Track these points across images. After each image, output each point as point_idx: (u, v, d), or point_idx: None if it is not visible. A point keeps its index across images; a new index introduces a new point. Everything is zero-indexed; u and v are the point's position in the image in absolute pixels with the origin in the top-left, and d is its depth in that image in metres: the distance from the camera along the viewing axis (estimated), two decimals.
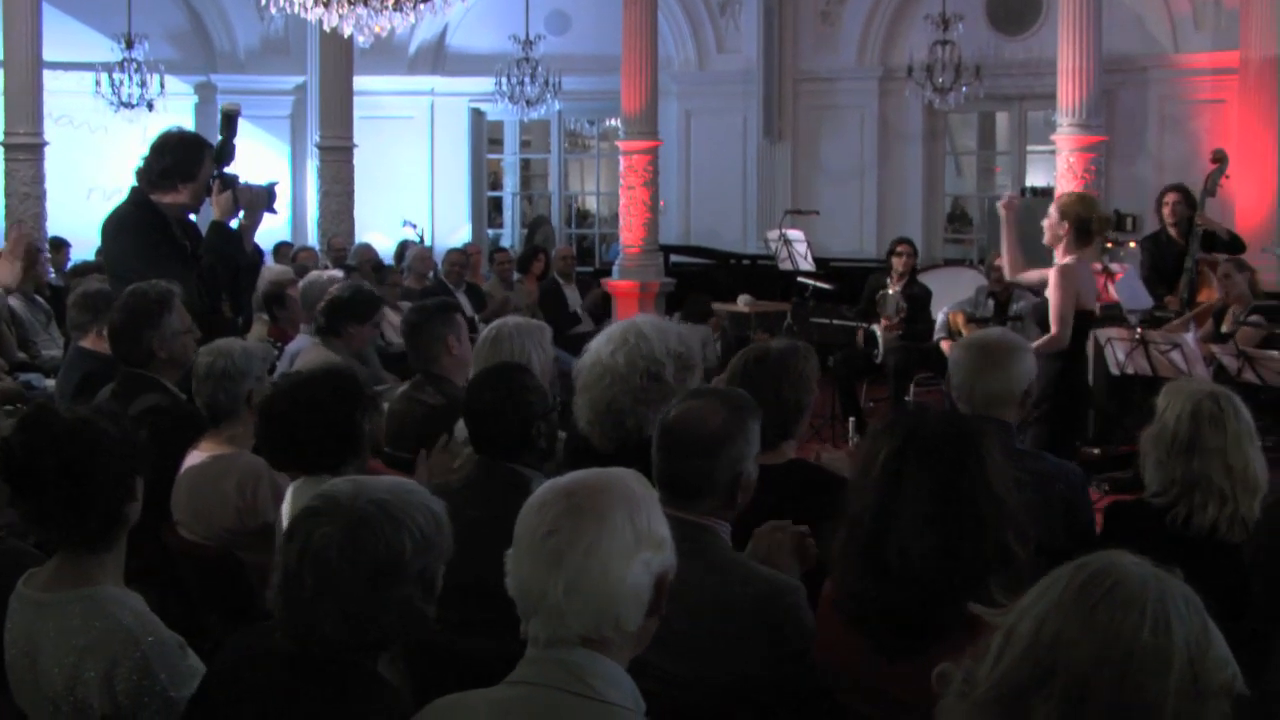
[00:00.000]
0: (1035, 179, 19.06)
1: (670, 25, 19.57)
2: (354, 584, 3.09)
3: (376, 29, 13.02)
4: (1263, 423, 4.96)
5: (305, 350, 8.23)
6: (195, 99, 20.22)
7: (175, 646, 3.66)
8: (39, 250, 13.93)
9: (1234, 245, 12.99)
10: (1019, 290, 12.27)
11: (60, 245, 16.46)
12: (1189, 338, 10.76)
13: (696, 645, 3.66)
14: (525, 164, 22.68)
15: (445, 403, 6.45)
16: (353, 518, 3.12)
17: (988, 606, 2.60)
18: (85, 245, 14.36)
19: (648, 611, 2.94)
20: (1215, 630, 2.30)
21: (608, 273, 17.41)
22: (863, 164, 19.27)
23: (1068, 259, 8.42)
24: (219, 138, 7.58)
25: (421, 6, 12.20)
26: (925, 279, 14.16)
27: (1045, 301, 8.49)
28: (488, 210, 21.98)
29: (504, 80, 18.98)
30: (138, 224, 7.32)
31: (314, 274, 10.63)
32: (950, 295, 13.77)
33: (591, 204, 23.46)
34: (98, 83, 18.49)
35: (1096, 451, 12.51)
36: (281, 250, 16.38)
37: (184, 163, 7.32)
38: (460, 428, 5.54)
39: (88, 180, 18.15)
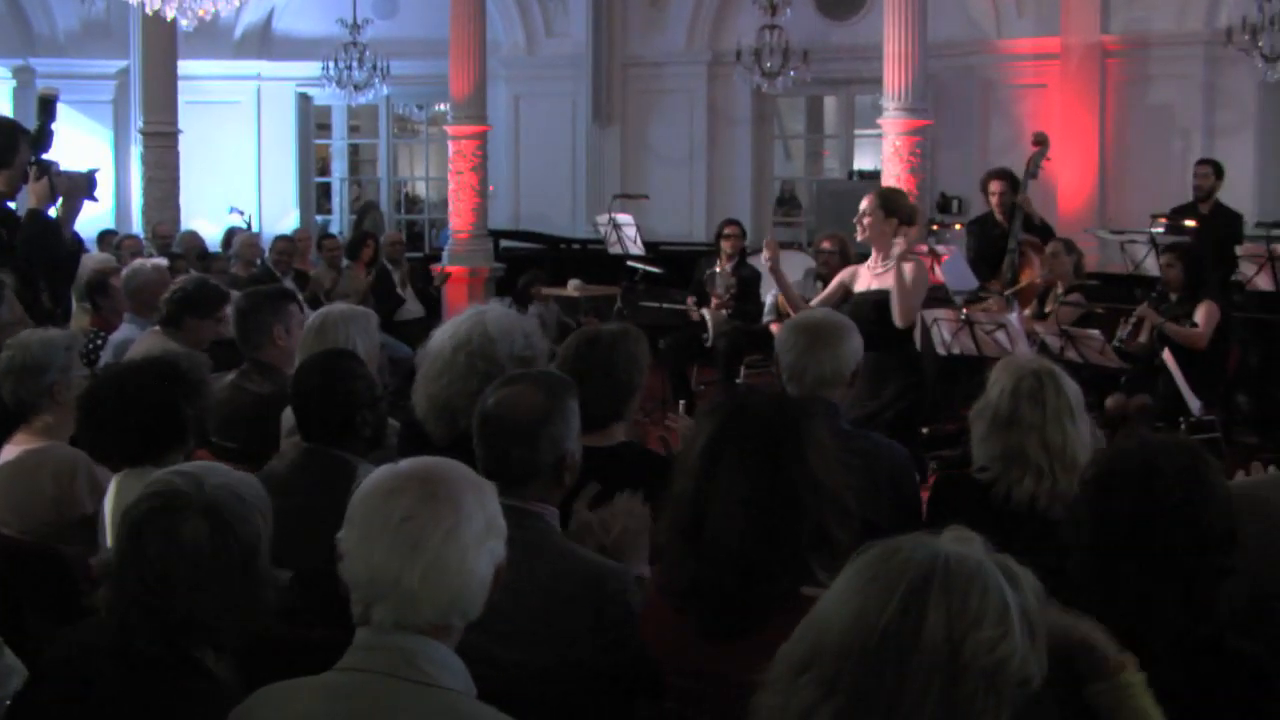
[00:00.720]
0: (863, 162, 19.27)
1: (499, 9, 19.49)
2: (231, 570, 3.10)
3: (200, 12, 12.87)
4: (1085, 400, 5.04)
5: (141, 339, 8.08)
6: (13, 83, 19.74)
7: None
8: None
9: (1043, 231, 13.23)
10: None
11: None
12: (1013, 318, 10.94)
13: (523, 630, 3.66)
14: (354, 149, 22.51)
15: (273, 391, 6.39)
16: (210, 507, 3.11)
17: (812, 587, 2.63)
18: None
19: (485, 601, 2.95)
20: (997, 611, 2.30)
21: (437, 258, 17.33)
22: (691, 148, 19.33)
23: (904, 250, 8.51)
24: (36, 123, 7.43)
25: None
26: (754, 262, 14.23)
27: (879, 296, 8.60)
28: (316, 196, 21.76)
29: (331, 64, 18.80)
30: None
31: (137, 262, 10.44)
32: None
33: (421, 189, 23.34)
34: None
35: (925, 430, 12.69)
36: (105, 238, 16.11)
37: None
38: (287, 415, 5.49)
39: None
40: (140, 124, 18.76)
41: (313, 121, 21.33)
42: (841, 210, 16.78)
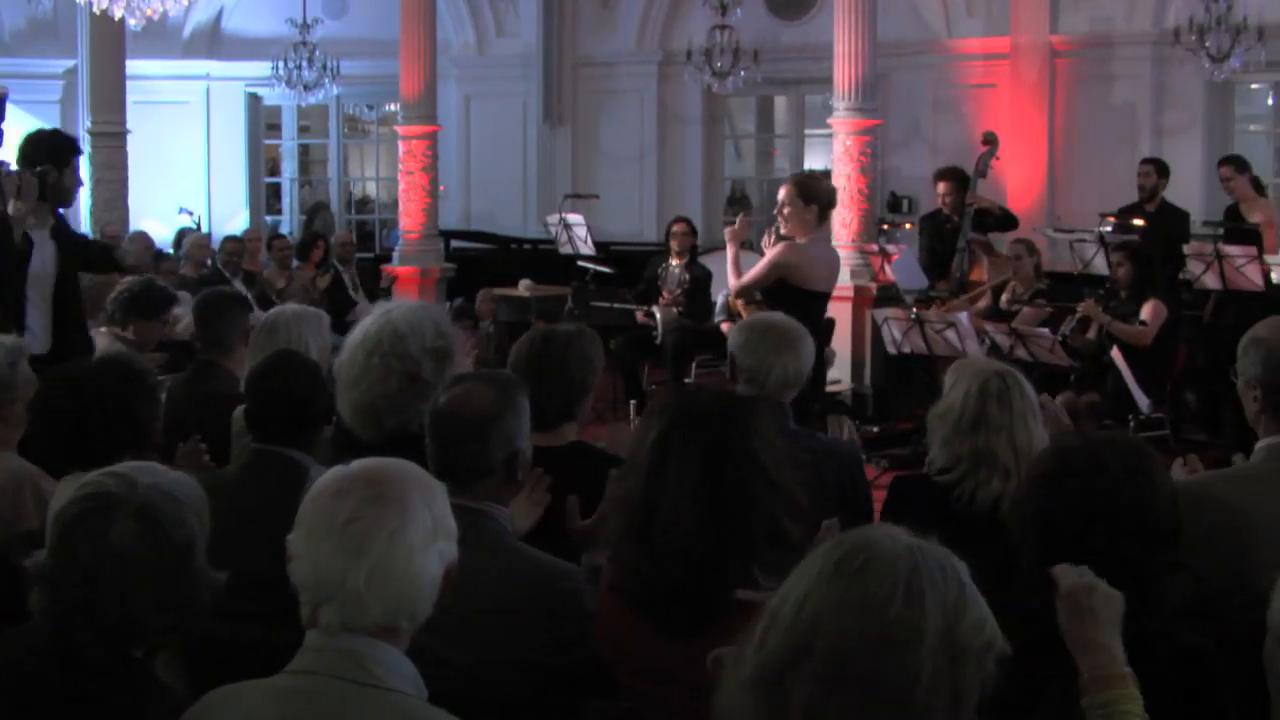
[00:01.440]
0: (813, 162, 19.26)
1: (449, 9, 19.44)
2: (163, 571, 3.08)
3: (148, 11, 12.81)
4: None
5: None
6: None
7: None
8: None
9: (1006, 221, 13.31)
10: None
11: None
12: (963, 316, 11.00)
13: (475, 630, 3.66)
14: (304, 149, 22.38)
15: (224, 392, 6.36)
16: (140, 508, 3.09)
17: (754, 590, 2.64)
18: None
19: (435, 602, 2.94)
20: (973, 593, 2.37)
21: (388, 258, 17.28)
22: (642, 148, 19.32)
23: (802, 239, 8.54)
24: None
25: None
26: (706, 261, 14.25)
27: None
28: (266, 196, 21.67)
29: (281, 64, 18.71)
30: None
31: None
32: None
33: (371, 189, 23.22)
34: None
35: (876, 429, 12.74)
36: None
37: None
38: (238, 417, 5.47)
39: None
40: (88, 124, 18.61)
41: (262, 122, 21.22)
42: None
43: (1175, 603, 3.56)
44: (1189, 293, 11.90)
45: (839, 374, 13.08)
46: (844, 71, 14.47)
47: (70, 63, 19.73)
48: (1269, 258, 11.73)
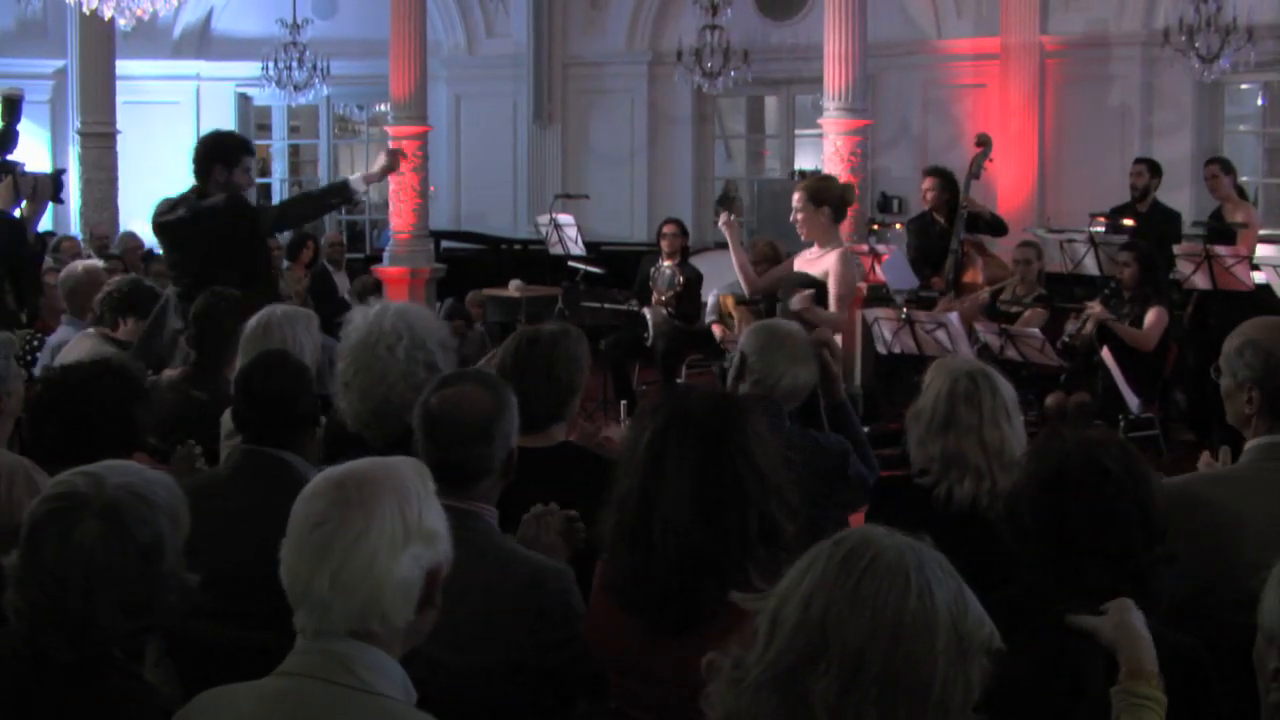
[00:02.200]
0: (804, 162, 19.26)
1: (439, 9, 19.45)
2: (126, 572, 3.07)
3: (138, 11, 12.79)
4: (1025, 398, 5.08)
5: (76, 341, 8.02)
6: None
7: None
8: None
9: (995, 226, 13.30)
10: None
11: None
12: (953, 317, 11.00)
13: (465, 632, 3.64)
14: (294, 150, 22.37)
15: (214, 393, 6.35)
16: (106, 508, 3.08)
17: (746, 591, 2.63)
18: None
19: (418, 606, 2.91)
20: (969, 592, 2.39)
21: (378, 259, 17.26)
22: (632, 148, 19.33)
23: (839, 246, 8.49)
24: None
25: None
26: (696, 261, 14.27)
27: (806, 277, 8.59)
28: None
29: (271, 65, 18.73)
30: None
31: (71, 264, 10.37)
32: (720, 278, 13.89)
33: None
34: None
35: (866, 429, 12.73)
36: (43, 240, 15.97)
37: None
38: (227, 418, 5.46)
39: None
40: (78, 124, 18.62)
41: (253, 122, 21.20)
42: (781, 210, 16.85)
43: (1170, 595, 3.58)
44: (1178, 293, 11.92)
45: None
46: (834, 72, 14.48)
47: (60, 63, 19.72)
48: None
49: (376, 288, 16.47)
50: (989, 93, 16.91)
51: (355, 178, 8.32)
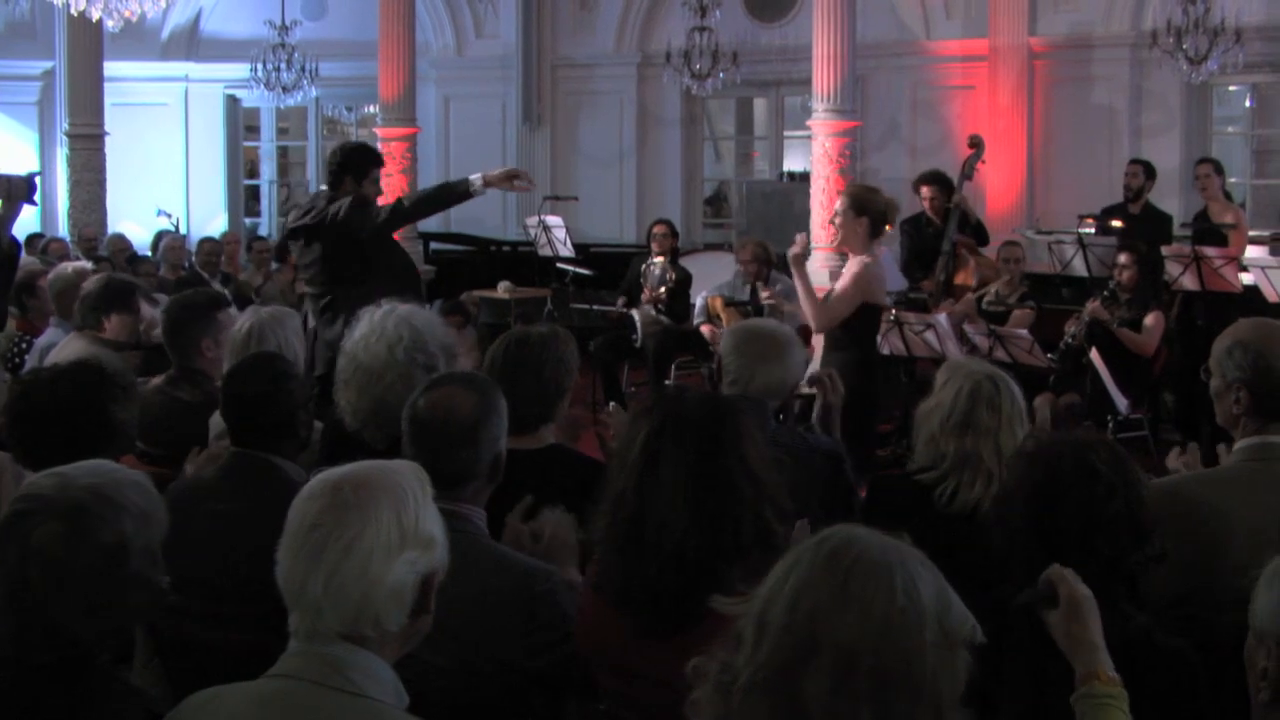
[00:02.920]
0: (793, 164, 19.28)
1: (428, 10, 19.45)
2: (88, 573, 3.05)
3: (126, 13, 12.77)
4: None
5: (64, 343, 8.00)
6: None
7: None
8: None
9: (978, 232, 13.31)
10: (775, 274, 12.42)
11: None
12: (941, 318, 11.01)
13: (455, 634, 3.63)
14: (282, 151, 22.35)
15: (201, 396, 6.33)
16: (69, 509, 3.07)
17: (729, 595, 2.63)
18: None
19: (412, 611, 2.91)
20: (949, 587, 2.39)
21: None
22: (621, 150, 19.34)
23: (866, 256, 8.38)
24: None
25: None
26: (685, 263, 14.26)
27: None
28: (245, 199, 21.65)
29: (260, 66, 18.72)
30: None
31: (60, 266, 10.35)
32: (709, 279, 13.91)
33: None
34: None
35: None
36: (31, 242, 15.94)
37: None
38: (215, 420, 5.45)
39: None
40: (66, 126, 18.61)
41: (241, 123, 21.23)
42: (770, 211, 16.86)
43: (1160, 596, 3.59)
44: (1167, 294, 11.93)
45: None
46: (823, 73, 14.51)
47: (48, 64, 19.71)
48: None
49: None
50: (978, 94, 16.92)
51: (475, 177, 8.68)
